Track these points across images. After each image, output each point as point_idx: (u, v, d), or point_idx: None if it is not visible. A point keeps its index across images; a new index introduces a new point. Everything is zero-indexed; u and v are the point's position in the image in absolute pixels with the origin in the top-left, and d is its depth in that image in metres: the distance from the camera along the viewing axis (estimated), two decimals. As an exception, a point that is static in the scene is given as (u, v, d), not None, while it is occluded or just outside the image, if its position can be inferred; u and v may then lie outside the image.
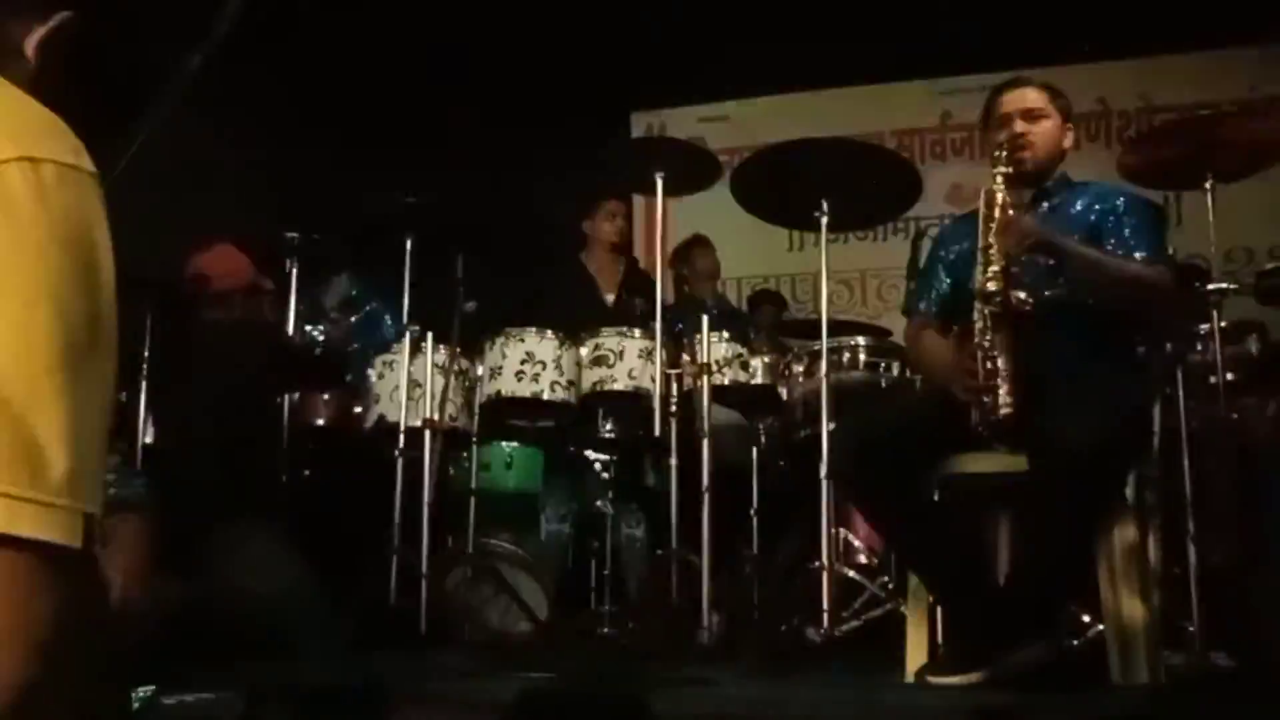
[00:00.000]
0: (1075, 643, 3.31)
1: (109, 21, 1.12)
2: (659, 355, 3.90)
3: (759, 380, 4.19)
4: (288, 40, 6.30)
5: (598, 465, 4.51)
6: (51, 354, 0.84)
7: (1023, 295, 2.59)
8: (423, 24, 6.26)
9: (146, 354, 4.01)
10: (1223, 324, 3.48)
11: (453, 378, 4.16)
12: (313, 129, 6.54)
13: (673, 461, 3.84)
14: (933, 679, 2.53)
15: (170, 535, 3.35)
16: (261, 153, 5.89)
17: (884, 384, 3.85)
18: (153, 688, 2.12)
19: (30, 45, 1.02)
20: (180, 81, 1.17)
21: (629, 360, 4.00)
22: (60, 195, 0.88)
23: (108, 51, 1.12)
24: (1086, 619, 3.30)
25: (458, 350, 4.14)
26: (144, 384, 4.07)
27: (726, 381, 4.13)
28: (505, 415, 4.26)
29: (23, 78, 0.99)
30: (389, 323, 5.27)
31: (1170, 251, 2.98)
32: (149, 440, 4.10)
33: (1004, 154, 2.83)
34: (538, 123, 6.72)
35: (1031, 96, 2.94)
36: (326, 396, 4.57)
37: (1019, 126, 2.90)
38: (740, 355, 4.25)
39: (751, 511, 4.47)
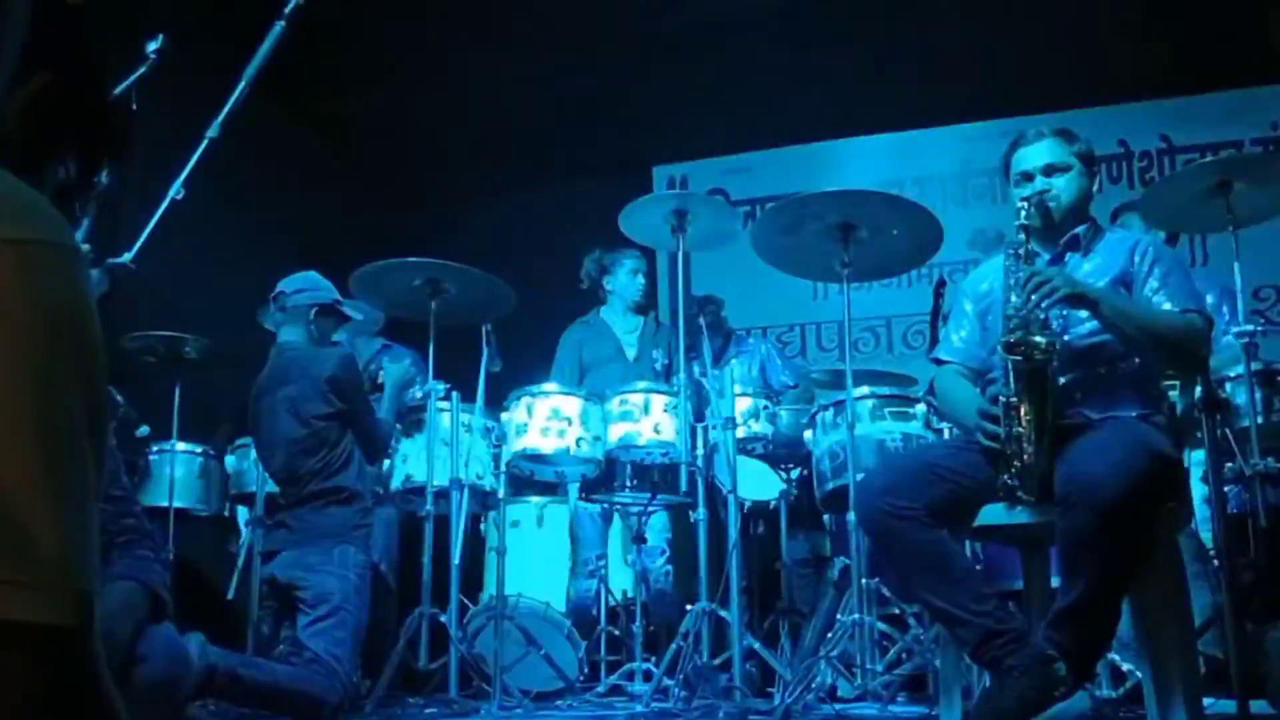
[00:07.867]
0: (1113, 694, 3.25)
1: (91, 80, 1.07)
2: (684, 409, 3.89)
3: (785, 431, 4.18)
4: (321, 106, 6.42)
5: (626, 520, 4.50)
6: (42, 439, 0.83)
7: (1043, 342, 2.56)
8: (445, 81, 6.35)
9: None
10: (1254, 365, 3.44)
11: (479, 436, 4.17)
12: (341, 191, 6.63)
13: (701, 514, 3.82)
14: (968, 734, 2.49)
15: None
16: (286, 214, 5.97)
17: (911, 432, 3.81)
18: None
19: (11, 111, 0.98)
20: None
21: (654, 414, 3.99)
22: (46, 278, 0.86)
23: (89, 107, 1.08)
24: (1125, 669, 3.25)
25: (484, 408, 4.15)
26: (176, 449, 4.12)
27: (753, 433, 4.12)
28: (533, 472, 4.26)
29: (3, 145, 0.96)
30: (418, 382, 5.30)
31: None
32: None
33: (1028, 210, 2.81)
34: (560, 177, 6.78)
35: (1049, 150, 2.88)
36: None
37: (1041, 184, 2.86)
38: (766, 407, 4.24)
39: (781, 564, 4.45)
